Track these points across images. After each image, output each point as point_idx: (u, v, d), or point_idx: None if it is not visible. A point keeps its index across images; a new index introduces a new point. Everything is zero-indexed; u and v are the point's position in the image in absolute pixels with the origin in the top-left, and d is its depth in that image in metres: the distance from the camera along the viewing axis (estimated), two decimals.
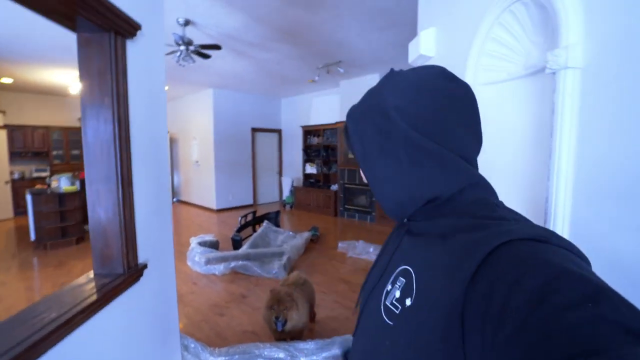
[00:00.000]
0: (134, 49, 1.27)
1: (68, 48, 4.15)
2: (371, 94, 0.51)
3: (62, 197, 4.99)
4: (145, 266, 1.33)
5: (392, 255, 0.51)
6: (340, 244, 4.83)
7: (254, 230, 5.16)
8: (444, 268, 0.38)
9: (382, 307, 0.45)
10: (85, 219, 5.46)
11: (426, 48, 1.49)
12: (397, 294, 0.43)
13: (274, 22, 3.65)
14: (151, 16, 1.41)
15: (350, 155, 6.80)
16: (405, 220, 0.51)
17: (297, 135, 8.50)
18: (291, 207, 8.23)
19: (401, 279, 0.44)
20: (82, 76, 1.13)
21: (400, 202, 0.48)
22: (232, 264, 3.86)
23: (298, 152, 8.52)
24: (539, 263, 0.29)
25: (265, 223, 5.04)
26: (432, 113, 0.45)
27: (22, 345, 0.78)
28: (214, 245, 4.59)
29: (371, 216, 6.67)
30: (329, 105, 7.50)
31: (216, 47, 3.74)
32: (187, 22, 3.59)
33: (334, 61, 5.21)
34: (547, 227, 0.56)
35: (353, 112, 0.53)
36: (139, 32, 1.26)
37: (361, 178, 6.70)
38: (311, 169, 8.07)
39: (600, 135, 0.77)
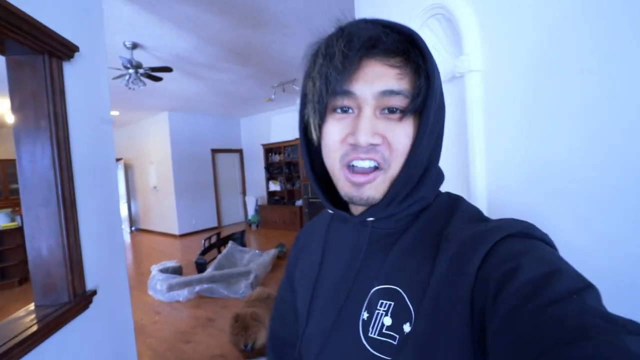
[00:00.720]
0: (72, 70, 1.25)
1: None
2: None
3: None
4: (94, 292, 1.28)
5: (356, 274, 0.42)
6: None
7: (219, 252, 5.01)
8: (443, 277, 0.34)
9: (364, 341, 0.37)
10: None
11: None
12: (387, 321, 0.36)
13: (224, 43, 3.70)
14: (90, 37, 1.40)
15: None
16: (371, 219, 0.42)
17: (258, 153, 8.48)
18: (257, 226, 8.11)
19: (384, 302, 0.37)
20: (14, 100, 1.10)
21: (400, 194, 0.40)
22: (197, 287, 3.72)
23: (260, 171, 8.48)
24: (532, 259, 0.30)
25: (230, 243, 4.93)
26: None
27: None
28: (176, 271, 4.40)
29: None
30: (288, 123, 7.60)
31: (167, 69, 3.71)
32: (134, 45, 3.54)
33: (288, 79, 5.33)
34: None
35: (433, 63, 0.39)
36: (76, 54, 1.25)
37: None
38: (275, 187, 8.05)
39: (503, 128, 0.89)
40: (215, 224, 8.23)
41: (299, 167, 7.34)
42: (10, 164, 7.26)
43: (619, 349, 0.21)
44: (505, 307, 0.28)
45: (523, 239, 0.33)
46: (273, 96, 5.99)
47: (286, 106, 7.56)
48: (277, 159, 8.06)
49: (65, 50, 1.18)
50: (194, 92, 5.78)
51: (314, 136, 0.43)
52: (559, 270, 0.29)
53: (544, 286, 0.28)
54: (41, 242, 1.14)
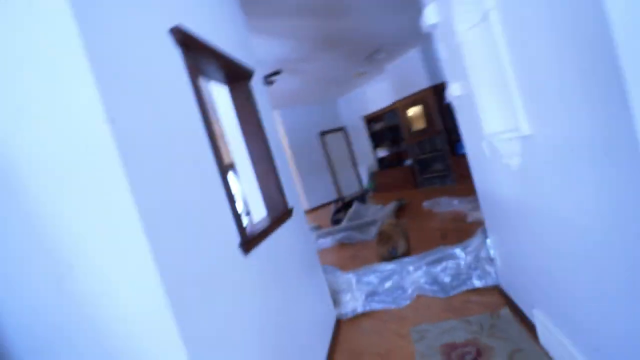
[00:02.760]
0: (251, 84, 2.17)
1: None
2: None
3: None
4: (292, 209, 2.20)
5: None
6: (424, 203, 5.35)
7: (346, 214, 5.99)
8: None
9: None
10: None
11: (430, 18, 2.15)
12: None
13: (313, 37, 4.46)
14: (254, 63, 2.31)
15: (415, 128, 7.21)
16: None
17: (360, 126, 9.22)
18: (374, 191, 8.90)
19: None
20: (236, 103, 2.05)
21: None
22: (338, 236, 4.71)
23: (366, 141, 9.21)
24: None
25: (355, 203, 5.83)
26: None
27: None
28: (317, 228, 5.54)
29: (450, 178, 6.94)
30: (382, 90, 8.08)
31: (277, 72, 4.71)
32: None
33: (372, 50, 5.82)
34: None
35: None
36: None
37: (431, 146, 7.05)
38: (382, 152, 8.66)
39: None
40: (335, 197, 9.39)
41: (400, 130, 7.76)
42: None
43: None
44: None
45: None
46: (362, 69, 6.56)
47: (376, 75, 8.02)
48: (378, 127, 8.64)
49: (250, 75, 2.08)
50: (295, 87, 6.81)
51: None
52: None
53: None
54: (269, 185, 2.09)
